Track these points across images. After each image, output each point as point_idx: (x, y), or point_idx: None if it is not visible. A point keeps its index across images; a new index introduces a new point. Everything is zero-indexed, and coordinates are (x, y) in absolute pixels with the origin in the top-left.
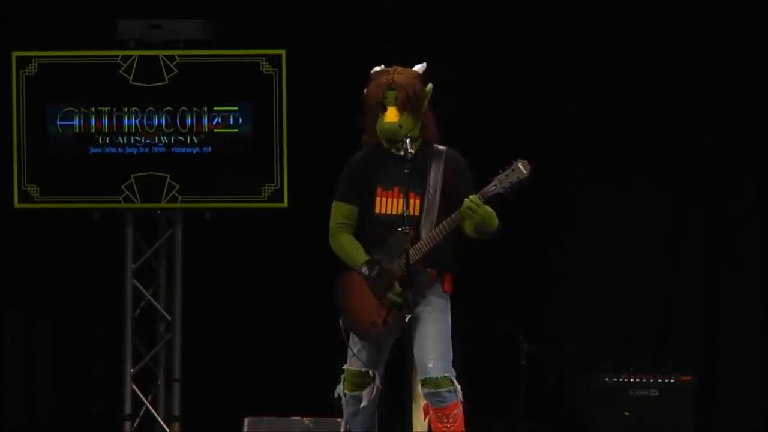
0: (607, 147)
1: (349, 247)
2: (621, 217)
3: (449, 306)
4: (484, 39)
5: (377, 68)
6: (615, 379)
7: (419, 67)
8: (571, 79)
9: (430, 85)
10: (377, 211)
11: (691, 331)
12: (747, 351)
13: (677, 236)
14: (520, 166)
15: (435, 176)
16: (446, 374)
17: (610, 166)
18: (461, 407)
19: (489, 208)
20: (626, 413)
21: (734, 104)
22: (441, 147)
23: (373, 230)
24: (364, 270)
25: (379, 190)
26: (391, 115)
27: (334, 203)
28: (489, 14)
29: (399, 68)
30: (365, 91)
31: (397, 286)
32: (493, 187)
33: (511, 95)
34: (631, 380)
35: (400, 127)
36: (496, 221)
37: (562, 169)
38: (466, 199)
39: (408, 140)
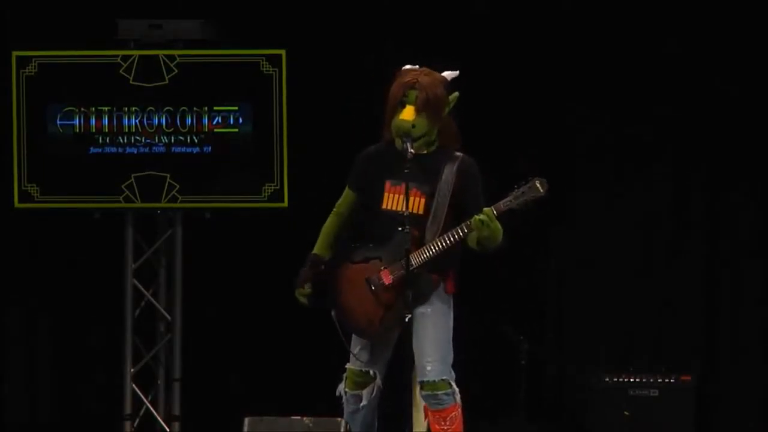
0: (607, 146)
1: (322, 232)
2: (621, 217)
3: (451, 307)
4: (483, 39)
5: (407, 66)
6: (615, 379)
7: (448, 74)
8: (571, 79)
9: (455, 94)
10: (383, 206)
11: (691, 331)
12: (747, 351)
13: (677, 236)
14: (538, 185)
15: (447, 179)
16: (444, 377)
17: (609, 166)
18: (460, 410)
19: (498, 224)
20: (626, 413)
21: (735, 105)
22: (458, 153)
23: (377, 225)
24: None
25: (387, 185)
26: (408, 113)
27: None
28: (489, 15)
29: (427, 70)
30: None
31: (306, 288)
32: (508, 203)
33: (511, 95)
34: (631, 380)
35: (413, 126)
36: (501, 237)
37: (562, 169)
38: (480, 212)
39: (409, 141)
